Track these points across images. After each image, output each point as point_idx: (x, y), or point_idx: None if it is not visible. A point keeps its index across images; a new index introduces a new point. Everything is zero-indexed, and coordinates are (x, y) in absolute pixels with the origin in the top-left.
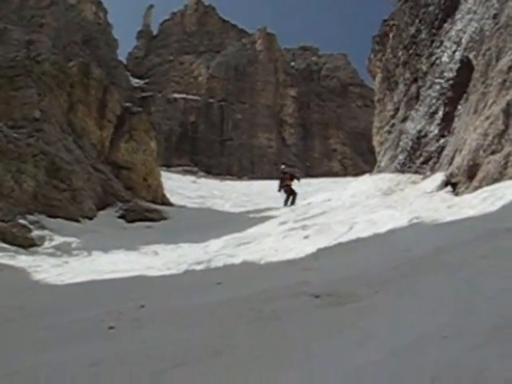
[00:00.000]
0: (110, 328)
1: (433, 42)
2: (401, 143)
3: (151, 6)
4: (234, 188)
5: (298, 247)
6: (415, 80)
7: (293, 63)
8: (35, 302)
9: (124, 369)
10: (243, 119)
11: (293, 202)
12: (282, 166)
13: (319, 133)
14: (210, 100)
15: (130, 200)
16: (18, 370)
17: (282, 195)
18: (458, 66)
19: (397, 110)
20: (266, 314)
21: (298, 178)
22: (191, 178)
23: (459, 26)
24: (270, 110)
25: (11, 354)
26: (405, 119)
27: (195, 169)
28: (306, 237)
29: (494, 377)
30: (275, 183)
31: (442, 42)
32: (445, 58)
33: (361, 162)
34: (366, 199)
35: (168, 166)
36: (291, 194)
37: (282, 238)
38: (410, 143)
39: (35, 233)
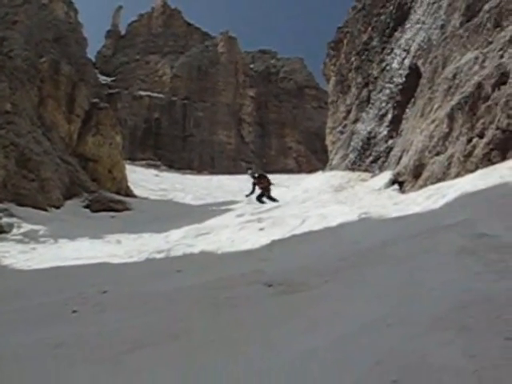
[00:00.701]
0: (74, 312)
1: (384, 49)
2: (352, 143)
3: (120, 7)
4: (195, 182)
5: (254, 239)
6: (367, 84)
7: (252, 65)
8: (2, 287)
9: (86, 351)
10: (204, 117)
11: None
12: (250, 171)
13: (276, 131)
14: (174, 98)
15: (96, 191)
16: None
17: (240, 191)
18: (406, 72)
19: (349, 111)
20: (222, 300)
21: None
22: (154, 171)
23: (409, 34)
24: (230, 109)
25: None
26: (356, 120)
27: (158, 163)
28: (261, 229)
29: (434, 363)
30: (233, 178)
31: (392, 50)
32: (395, 65)
33: (314, 159)
34: (318, 195)
35: (132, 159)
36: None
37: (238, 230)
38: (361, 143)
39: (4, 220)
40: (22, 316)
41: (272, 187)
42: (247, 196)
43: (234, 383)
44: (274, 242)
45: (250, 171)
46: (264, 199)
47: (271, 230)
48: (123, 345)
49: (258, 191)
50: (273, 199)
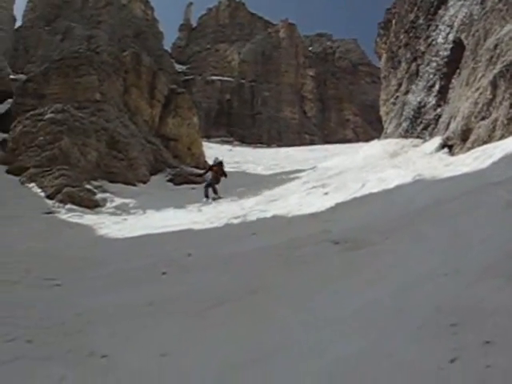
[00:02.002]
0: (163, 273)
1: (429, 26)
2: (404, 113)
3: (190, 4)
4: (264, 154)
5: (319, 202)
6: (415, 59)
7: (310, 48)
8: (99, 253)
9: (175, 307)
10: (270, 96)
11: (215, 192)
12: (220, 158)
13: (334, 106)
14: (242, 81)
15: (177, 166)
16: (85, 310)
17: (305, 161)
18: (451, 45)
19: (400, 84)
20: (293, 258)
21: (225, 175)
22: (228, 146)
23: (452, 11)
24: (293, 88)
25: (79, 297)
26: (407, 92)
27: (231, 139)
28: (325, 193)
29: (488, 307)
30: (298, 149)
31: (437, 26)
32: (440, 40)
33: (370, 129)
34: (375, 161)
35: (208, 137)
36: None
37: (305, 195)
38: (412, 112)
39: (99, 196)
40: (117, 278)
41: (223, 179)
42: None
43: (305, 330)
44: (337, 205)
45: (219, 158)
46: (209, 190)
47: (335, 194)
48: (207, 301)
49: (209, 176)
50: (215, 192)
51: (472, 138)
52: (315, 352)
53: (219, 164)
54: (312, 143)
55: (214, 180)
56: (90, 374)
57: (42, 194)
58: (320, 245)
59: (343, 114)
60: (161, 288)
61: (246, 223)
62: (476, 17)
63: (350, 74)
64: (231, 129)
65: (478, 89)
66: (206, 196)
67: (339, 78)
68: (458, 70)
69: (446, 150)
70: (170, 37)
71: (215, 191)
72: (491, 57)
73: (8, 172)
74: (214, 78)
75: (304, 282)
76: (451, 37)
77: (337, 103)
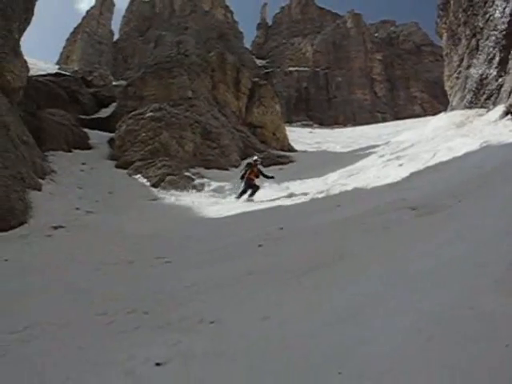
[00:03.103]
0: (259, 246)
1: (486, 2)
2: (467, 85)
3: (265, 4)
4: (342, 133)
5: (395, 173)
6: (474, 35)
7: (376, 34)
8: (202, 232)
9: (272, 275)
10: (343, 81)
11: (252, 194)
12: (255, 158)
13: (402, 85)
14: (316, 69)
15: (265, 150)
16: (193, 283)
17: (378, 137)
18: (508, 19)
19: (462, 60)
20: (376, 225)
21: (265, 175)
22: (308, 129)
23: None
24: (363, 72)
25: (187, 272)
26: (469, 66)
27: (310, 122)
28: (400, 165)
29: None
30: (371, 127)
31: (493, 2)
32: (497, 14)
33: (436, 104)
34: (443, 132)
35: (290, 122)
36: (253, 188)
37: (381, 168)
38: (475, 85)
39: (197, 181)
40: (219, 253)
41: (258, 182)
42: (238, 198)
43: (393, 288)
44: (412, 174)
45: (254, 158)
46: (244, 195)
47: (408, 165)
48: (301, 267)
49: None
50: (246, 192)
51: None
52: (406, 307)
53: (254, 167)
54: (384, 120)
55: (249, 186)
56: (201, 339)
57: (148, 184)
58: (399, 211)
59: (410, 92)
60: (258, 259)
61: (329, 196)
62: None
63: (414, 54)
64: (310, 113)
65: None
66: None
67: (404, 59)
68: None
69: (509, 116)
70: (249, 36)
71: (251, 194)
72: None
73: (117, 166)
74: (292, 69)
75: (387, 246)
76: (508, 10)
77: (404, 82)
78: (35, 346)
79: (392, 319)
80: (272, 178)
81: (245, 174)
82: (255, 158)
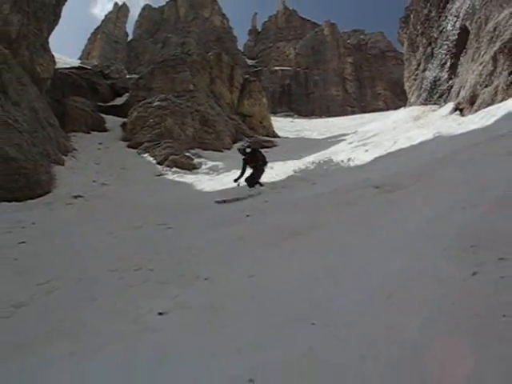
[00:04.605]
0: (247, 216)
1: (440, 17)
2: (423, 85)
3: (256, 14)
4: (318, 123)
5: (362, 157)
6: (430, 43)
7: (348, 40)
8: (199, 203)
9: (257, 240)
10: (319, 79)
11: (258, 182)
12: (246, 145)
13: (369, 84)
14: (298, 69)
15: (253, 135)
16: (191, 245)
17: (348, 127)
18: (458, 31)
19: (419, 64)
20: (345, 200)
21: (265, 162)
22: (289, 119)
23: (457, 4)
24: (336, 72)
25: (186, 236)
26: (425, 70)
27: (292, 113)
28: (366, 150)
29: (500, 231)
30: (342, 118)
31: (446, 17)
32: (449, 27)
33: (397, 100)
34: (403, 123)
35: (274, 113)
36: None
37: (351, 152)
38: (429, 85)
39: (196, 160)
40: (214, 220)
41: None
42: (236, 181)
43: (359, 252)
44: (376, 158)
45: (243, 144)
46: (254, 184)
47: (373, 151)
48: (282, 235)
49: (249, 171)
50: (259, 183)
51: (478, 101)
52: (369, 270)
53: (252, 153)
54: (353, 113)
55: (255, 173)
56: (196, 293)
57: (154, 161)
58: (364, 189)
59: (376, 90)
60: (247, 227)
61: (306, 175)
62: (478, 6)
63: (380, 58)
64: (291, 105)
65: (481, 63)
66: (253, 186)
67: (371, 62)
68: (464, 50)
69: (457, 112)
70: (242, 39)
71: (259, 183)
72: (491, 37)
73: (128, 146)
74: (277, 68)
75: (355, 217)
76: (458, 24)
77: (370, 81)
78: (56, 297)
79: (358, 280)
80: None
81: (244, 167)
82: (246, 145)
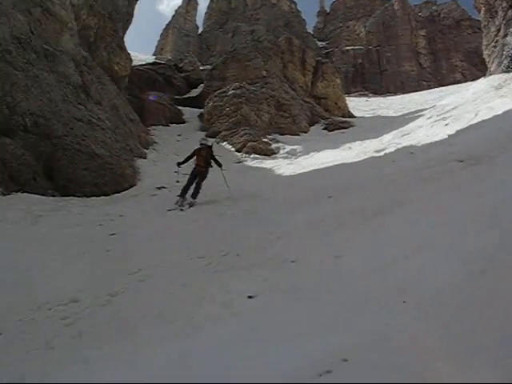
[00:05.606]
0: (329, 197)
1: None
2: (504, 52)
3: None
4: (393, 100)
5: (442, 132)
6: (510, 6)
7: (420, 13)
8: (280, 187)
9: (342, 220)
10: (392, 56)
11: (195, 194)
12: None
13: (444, 56)
14: (369, 47)
15: (329, 117)
16: (276, 229)
17: (425, 102)
18: None
19: (498, 30)
20: (428, 176)
21: (218, 164)
22: (364, 98)
23: None
24: (409, 47)
25: (271, 220)
26: (505, 35)
27: (366, 92)
28: (446, 125)
29: None
30: (418, 93)
31: None
32: None
33: (476, 71)
34: (483, 94)
35: (348, 93)
36: (199, 180)
37: (430, 128)
38: (511, 51)
39: (273, 145)
40: (296, 203)
41: (225, 172)
42: (178, 165)
43: (442, 230)
44: (457, 132)
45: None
46: (187, 193)
47: (454, 124)
48: (366, 214)
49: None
50: (197, 191)
51: None
52: (457, 247)
53: (208, 148)
54: (429, 88)
55: (198, 174)
56: (284, 275)
57: (233, 149)
58: (448, 164)
59: (452, 62)
60: (329, 207)
61: (386, 154)
62: None
63: (454, 28)
64: (365, 85)
65: None
66: (180, 195)
67: (445, 34)
68: None
69: None
70: (311, 22)
71: (194, 192)
72: None
73: (207, 136)
74: (348, 48)
75: (439, 193)
76: None
77: (446, 53)
78: (149, 284)
79: (446, 257)
80: (220, 166)
81: (188, 158)
82: (203, 139)
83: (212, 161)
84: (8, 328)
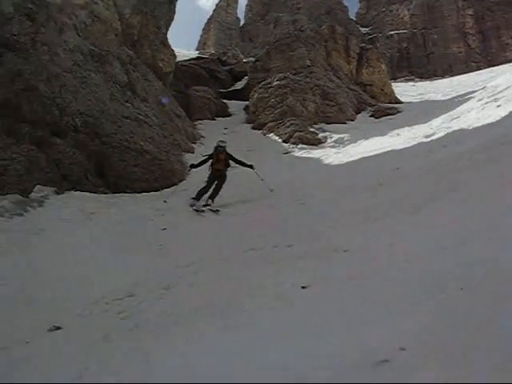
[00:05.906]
0: (380, 184)
1: None
2: None
3: None
4: (440, 84)
5: (495, 113)
6: None
7: None
8: (329, 175)
9: (393, 208)
10: (438, 38)
11: (214, 195)
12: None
13: (493, 35)
14: (414, 30)
15: (375, 104)
16: (323, 218)
17: (475, 84)
18: None
19: None
20: (483, 160)
21: (242, 163)
22: (411, 83)
23: None
24: (456, 28)
25: (316, 209)
26: None
27: (412, 77)
28: (498, 106)
29: None
30: (467, 76)
31: None
32: None
33: None
34: None
35: (394, 78)
36: (219, 183)
37: (481, 110)
38: None
39: (320, 135)
40: (343, 190)
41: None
42: (191, 167)
43: (493, 217)
44: (511, 113)
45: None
46: (202, 200)
47: (506, 105)
48: (417, 201)
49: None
50: (216, 193)
51: None
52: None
53: (220, 153)
54: (478, 69)
55: (217, 178)
56: (337, 265)
57: (280, 140)
58: (503, 146)
59: (502, 40)
60: (380, 195)
61: (435, 139)
62: None
63: (505, 5)
64: (411, 69)
65: None
66: (194, 198)
67: (495, 11)
68: None
69: None
70: (353, 8)
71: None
72: None
73: (253, 128)
74: (392, 32)
75: (495, 178)
76: None
77: (495, 32)
78: (202, 276)
79: (507, 244)
80: (251, 166)
81: (203, 163)
82: (221, 141)
83: (233, 162)
84: (67, 322)
